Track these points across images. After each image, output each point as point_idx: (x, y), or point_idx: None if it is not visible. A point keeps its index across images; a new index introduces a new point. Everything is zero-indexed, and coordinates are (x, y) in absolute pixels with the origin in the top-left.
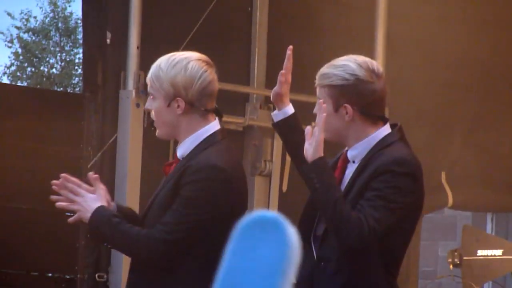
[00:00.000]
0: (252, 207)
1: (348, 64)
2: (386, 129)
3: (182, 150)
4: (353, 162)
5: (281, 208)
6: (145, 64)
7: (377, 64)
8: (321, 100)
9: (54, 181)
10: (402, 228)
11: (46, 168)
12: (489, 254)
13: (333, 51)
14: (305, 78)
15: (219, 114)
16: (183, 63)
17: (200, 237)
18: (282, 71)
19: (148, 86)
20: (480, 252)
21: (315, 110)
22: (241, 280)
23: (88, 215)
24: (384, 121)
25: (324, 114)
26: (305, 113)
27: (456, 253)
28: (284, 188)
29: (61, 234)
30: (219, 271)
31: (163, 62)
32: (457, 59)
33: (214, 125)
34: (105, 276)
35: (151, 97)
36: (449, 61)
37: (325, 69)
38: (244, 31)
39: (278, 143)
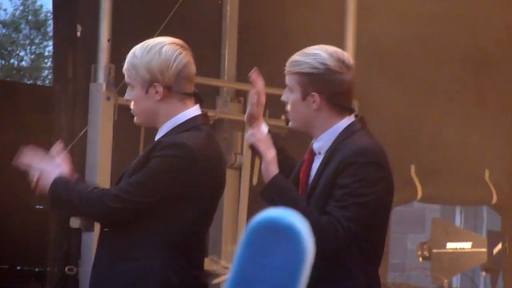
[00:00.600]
0: (222, 200)
1: (319, 53)
2: (349, 119)
3: (160, 134)
4: (319, 153)
5: (252, 201)
6: (115, 57)
7: (348, 56)
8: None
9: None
10: (377, 216)
11: (15, 161)
12: (458, 247)
13: (306, 40)
14: (277, 71)
15: (200, 99)
16: (157, 47)
17: (156, 209)
18: (254, 91)
19: (126, 76)
20: (449, 245)
21: (282, 98)
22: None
23: (49, 182)
24: (350, 112)
25: (261, 138)
26: (276, 107)
27: (425, 246)
28: (255, 181)
29: (30, 227)
30: (230, 277)
31: (137, 49)
32: (430, 56)
33: (193, 110)
34: (75, 269)
35: (129, 87)
36: (422, 61)
37: (296, 56)
38: (214, 24)
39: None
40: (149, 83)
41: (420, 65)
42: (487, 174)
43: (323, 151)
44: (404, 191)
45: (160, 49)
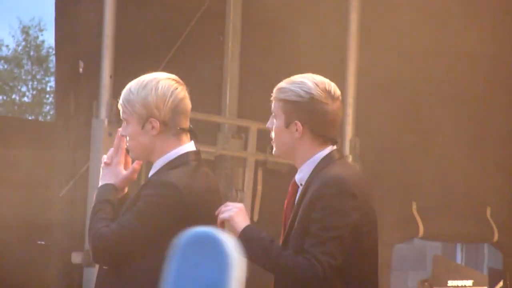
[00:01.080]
0: None
1: (305, 81)
2: (329, 150)
3: (153, 171)
4: (301, 185)
5: None
6: (117, 93)
7: (334, 86)
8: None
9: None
10: (357, 247)
11: (17, 196)
12: (459, 285)
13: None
14: None
15: (194, 134)
16: (153, 82)
17: (143, 247)
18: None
19: (121, 112)
20: (451, 283)
21: (267, 124)
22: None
23: (101, 182)
24: (333, 143)
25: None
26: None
27: (426, 284)
28: (255, 218)
29: (32, 263)
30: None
31: (133, 85)
32: (432, 93)
33: (187, 147)
34: None
35: (125, 122)
36: (424, 97)
37: (283, 83)
38: (216, 60)
39: (249, 172)
40: (145, 119)
41: (423, 102)
42: (488, 211)
43: (303, 182)
44: (406, 228)
45: (156, 84)
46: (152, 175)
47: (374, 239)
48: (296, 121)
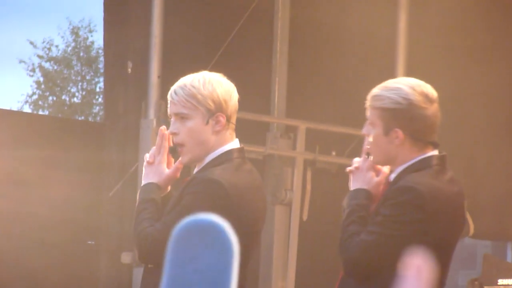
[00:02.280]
0: (272, 236)
1: (401, 87)
2: (428, 154)
3: (197, 168)
4: None
5: (302, 237)
6: (166, 93)
7: (431, 88)
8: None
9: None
10: (394, 255)
11: (66, 197)
12: (510, 283)
13: (355, 77)
14: (326, 108)
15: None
16: (216, 78)
17: None
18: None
19: (177, 108)
20: (501, 282)
21: (364, 131)
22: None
23: (143, 181)
24: (434, 146)
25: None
26: (327, 143)
27: (476, 282)
28: (305, 217)
29: (82, 263)
30: (161, 285)
31: (193, 81)
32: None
33: (231, 144)
34: None
35: (178, 119)
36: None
37: (377, 90)
38: (264, 60)
39: (298, 172)
40: (212, 113)
41: (474, 98)
42: None
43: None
44: None
45: (219, 80)
46: (196, 172)
47: (437, 251)
48: (396, 129)
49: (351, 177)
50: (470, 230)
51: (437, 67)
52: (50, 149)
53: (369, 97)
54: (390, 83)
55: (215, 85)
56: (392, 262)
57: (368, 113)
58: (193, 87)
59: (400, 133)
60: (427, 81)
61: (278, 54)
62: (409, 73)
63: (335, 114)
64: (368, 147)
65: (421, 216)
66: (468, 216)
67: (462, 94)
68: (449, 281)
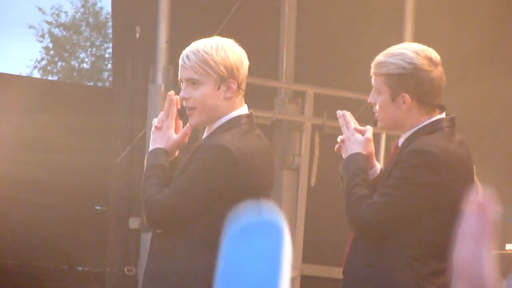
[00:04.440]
0: (280, 200)
1: (405, 52)
2: (436, 117)
3: (206, 133)
4: None
5: (310, 202)
6: (174, 59)
7: (434, 52)
8: (338, 112)
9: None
10: (429, 217)
11: (75, 162)
12: None
13: (363, 42)
14: (334, 72)
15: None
16: (228, 44)
17: (200, 211)
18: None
19: (189, 73)
20: (509, 246)
21: (369, 99)
22: (242, 277)
23: (151, 146)
24: (441, 109)
25: (343, 115)
26: (334, 108)
27: None
28: (313, 182)
29: (90, 228)
30: (220, 267)
31: (206, 47)
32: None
33: (240, 110)
34: (134, 270)
35: (190, 84)
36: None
37: (381, 57)
38: (272, 25)
39: (306, 137)
40: (224, 79)
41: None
42: None
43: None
44: None
45: (231, 46)
46: (204, 138)
47: (451, 214)
48: (403, 94)
49: (341, 150)
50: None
51: (445, 31)
52: (59, 114)
53: (373, 64)
54: (394, 49)
55: (227, 51)
56: (405, 223)
57: (373, 81)
58: (206, 53)
59: (407, 97)
60: (435, 45)
61: (286, 19)
62: (417, 37)
63: (343, 79)
64: (376, 114)
65: (435, 178)
66: (476, 180)
67: (470, 58)
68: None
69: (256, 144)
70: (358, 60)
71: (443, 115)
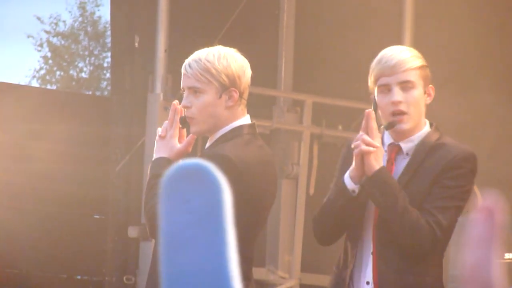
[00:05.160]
0: (279, 210)
1: (411, 49)
2: (428, 122)
3: (208, 143)
4: (407, 154)
5: (308, 211)
6: (173, 68)
7: None
8: (368, 111)
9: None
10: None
11: (73, 171)
12: None
13: (362, 51)
14: (333, 81)
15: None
16: (230, 53)
17: None
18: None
19: (191, 81)
20: (508, 256)
21: (397, 98)
22: (185, 235)
23: (155, 155)
24: None
25: (373, 119)
26: (333, 117)
27: None
28: (311, 191)
29: (89, 237)
30: (161, 230)
31: (208, 55)
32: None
33: (242, 120)
34: (133, 279)
35: (191, 92)
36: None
37: (399, 53)
38: (271, 34)
39: (305, 146)
40: (226, 88)
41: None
42: None
43: (410, 153)
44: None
45: (233, 55)
46: (206, 148)
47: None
48: (431, 85)
49: (370, 157)
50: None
51: (443, 43)
52: (57, 123)
53: (402, 60)
54: (400, 47)
55: (229, 60)
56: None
57: (402, 76)
58: (208, 61)
59: (433, 88)
60: (433, 54)
61: (284, 28)
62: (416, 47)
63: (341, 88)
64: (404, 109)
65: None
66: (476, 189)
67: (469, 71)
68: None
69: (258, 154)
70: (356, 69)
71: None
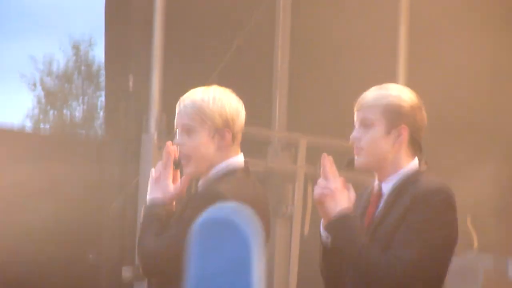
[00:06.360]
0: (273, 249)
1: (400, 88)
2: (416, 160)
3: (201, 182)
4: (383, 194)
5: (303, 251)
6: (167, 108)
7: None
8: (324, 155)
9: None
10: (440, 259)
11: (68, 211)
12: None
13: (356, 90)
14: (327, 120)
15: None
16: (226, 94)
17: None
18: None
19: (184, 120)
20: None
21: (354, 134)
22: (214, 281)
23: (149, 196)
24: (420, 152)
25: (330, 163)
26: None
27: None
28: (306, 231)
29: (83, 277)
30: (189, 275)
31: (204, 95)
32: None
33: (236, 158)
34: None
35: (185, 131)
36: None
37: (375, 90)
38: (265, 73)
39: (299, 185)
40: (219, 129)
41: (476, 118)
42: None
43: (387, 192)
44: (460, 241)
45: (229, 96)
46: (200, 186)
47: (452, 255)
48: (402, 125)
49: (328, 200)
50: (474, 243)
51: (438, 80)
52: (51, 163)
53: (368, 97)
54: (386, 85)
55: (224, 101)
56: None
57: (363, 114)
58: (203, 100)
59: (405, 129)
60: (427, 90)
61: (279, 68)
62: (410, 86)
63: (336, 128)
64: (357, 152)
65: (454, 216)
66: (472, 229)
67: (468, 107)
68: None
69: (252, 192)
70: (351, 109)
71: (417, 159)
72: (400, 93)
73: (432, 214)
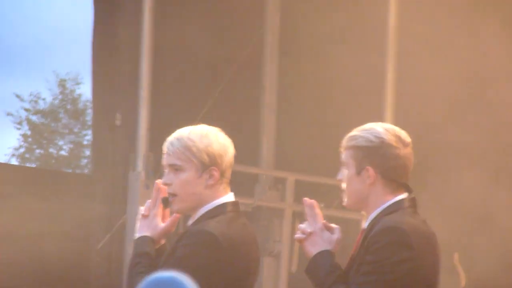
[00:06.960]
0: (261, 287)
1: (375, 127)
2: (400, 197)
3: (191, 221)
4: None
5: None
6: (154, 146)
7: (405, 134)
8: (305, 199)
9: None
10: None
11: (54, 249)
12: None
13: (343, 129)
14: (316, 159)
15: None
16: (213, 132)
17: None
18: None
19: (171, 159)
20: None
21: (338, 176)
22: None
23: (138, 234)
24: (407, 189)
25: (310, 207)
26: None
27: None
28: (294, 269)
29: None
30: None
31: (190, 133)
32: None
33: (226, 197)
34: None
35: (172, 170)
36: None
37: (352, 132)
38: (253, 111)
39: (287, 223)
40: (206, 167)
41: (466, 137)
42: None
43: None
44: (447, 279)
45: (216, 134)
46: (190, 225)
47: None
48: (368, 167)
49: (306, 244)
50: (462, 281)
51: (425, 117)
52: (38, 202)
53: (345, 139)
54: (366, 125)
55: (211, 139)
56: None
57: (342, 156)
58: (190, 139)
59: (371, 170)
60: (415, 127)
61: (266, 106)
62: (397, 124)
63: (324, 166)
64: (342, 188)
65: (410, 254)
66: (459, 268)
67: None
68: None
69: (241, 231)
70: (338, 147)
71: (405, 195)
72: (370, 134)
73: (384, 254)
